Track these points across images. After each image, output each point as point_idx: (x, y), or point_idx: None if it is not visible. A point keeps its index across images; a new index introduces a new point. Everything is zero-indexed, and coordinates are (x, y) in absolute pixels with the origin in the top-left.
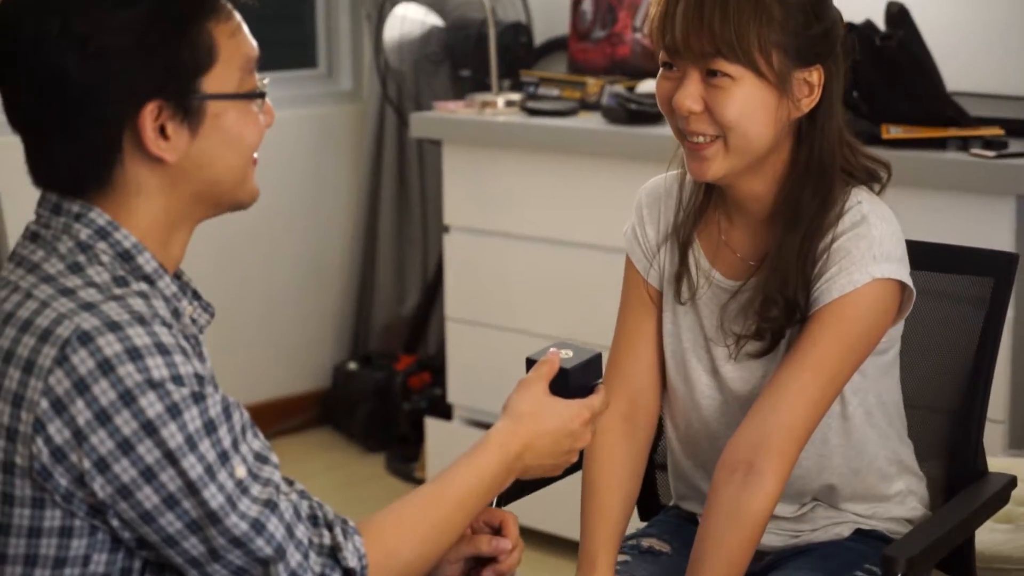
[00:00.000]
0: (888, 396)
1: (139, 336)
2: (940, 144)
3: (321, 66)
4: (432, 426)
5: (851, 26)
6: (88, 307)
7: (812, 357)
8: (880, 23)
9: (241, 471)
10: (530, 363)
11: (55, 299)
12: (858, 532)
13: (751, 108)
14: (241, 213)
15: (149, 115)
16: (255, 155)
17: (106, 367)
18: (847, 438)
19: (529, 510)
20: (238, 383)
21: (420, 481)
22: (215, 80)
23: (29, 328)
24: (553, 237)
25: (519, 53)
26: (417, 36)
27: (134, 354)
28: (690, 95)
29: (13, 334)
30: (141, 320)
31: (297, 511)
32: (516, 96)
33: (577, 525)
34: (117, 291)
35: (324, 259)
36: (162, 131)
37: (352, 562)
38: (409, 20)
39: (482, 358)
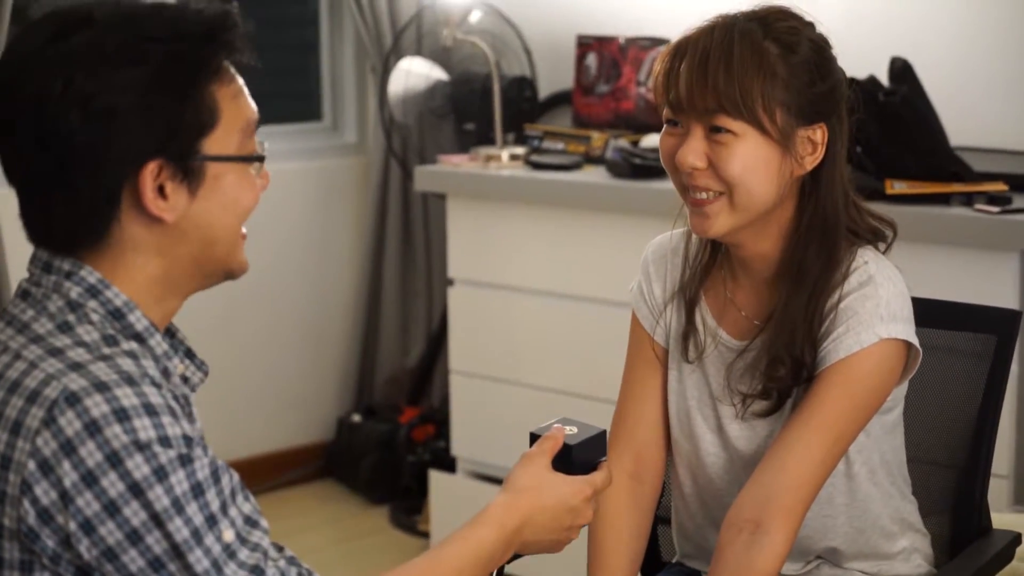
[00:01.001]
0: (892, 455)
1: (127, 397)
2: (944, 199)
3: (326, 119)
4: (436, 479)
5: (854, 81)
6: (76, 367)
7: (818, 417)
8: (884, 79)
9: (229, 535)
10: (533, 438)
11: (44, 359)
12: None
13: (754, 164)
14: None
15: (149, 174)
16: (244, 230)
17: (93, 428)
18: (851, 497)
19: (533, 564)
20: (241, 435)
21: (424, 534)
22: (216, 142)
23: (17, 389)
24: (557, 291)
25: (523, 107)
26: (422, 90)
27: (121, 415)
28: (693, 151)
29: (1, 395)
30: (129, 380)
31: None
32: (520, 150)
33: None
34: (106, 350)
35: (328, 311)
36: (160, 191)
37: None
38: (414, 74)
39: (486, 411)
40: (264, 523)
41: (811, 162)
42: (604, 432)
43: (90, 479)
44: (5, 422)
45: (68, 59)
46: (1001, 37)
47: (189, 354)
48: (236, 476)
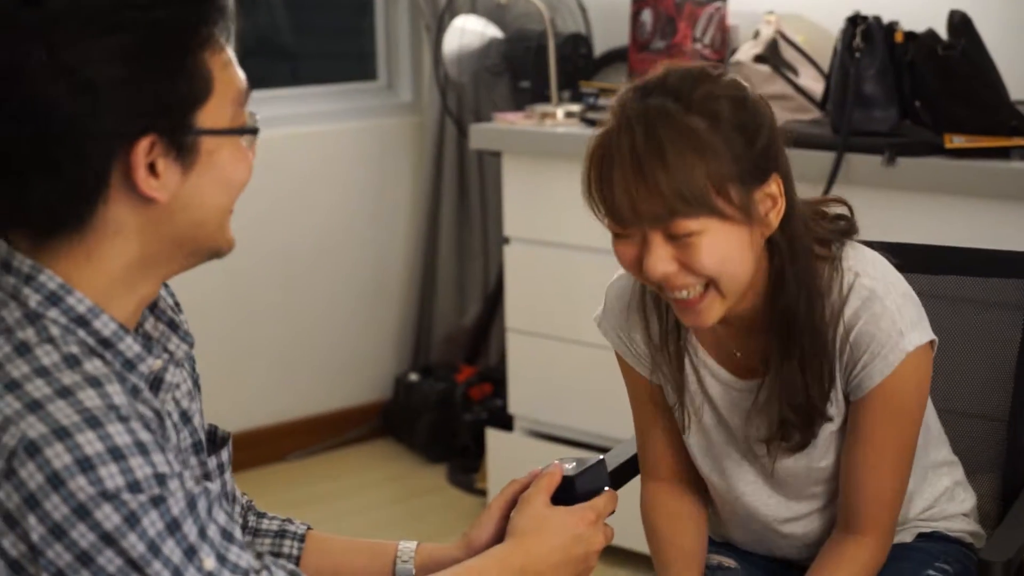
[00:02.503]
0: (928, 423)
1: (89, 444)
2: (1004, 153)
3: (381, 78)
4: (493, 437)
5: (912, 35)
6: (34, 407)
7: (874, 447)
8: (942, 32)
9: (209, 563)
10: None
11: (1, 398)
12: (920, 536)
13: (727, 252)
14: (303, 224)
15: (142, 151)
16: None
17: (55, 481)
18: None
19: None
20: (299, 395)
21: (481, 492)
22: (210, 115)
23: None
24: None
25: (578, 64)
26: (476, 48)
27: (85, 465)
28: (660, 260)
29: None
30: (92, 421)
31: None
32: (576, 107)
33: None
34: (67, 381)
35: (385, 271)
36: (151, 169)
37: None
38: (468, 32)
39: (543, 369)
40: (237, 533)
41: (776, 216)
42: (603, 460)
43: (58, 532)
44: None
45: (45, 25)
46: None
47: (172, 325)
48: (214, 490)
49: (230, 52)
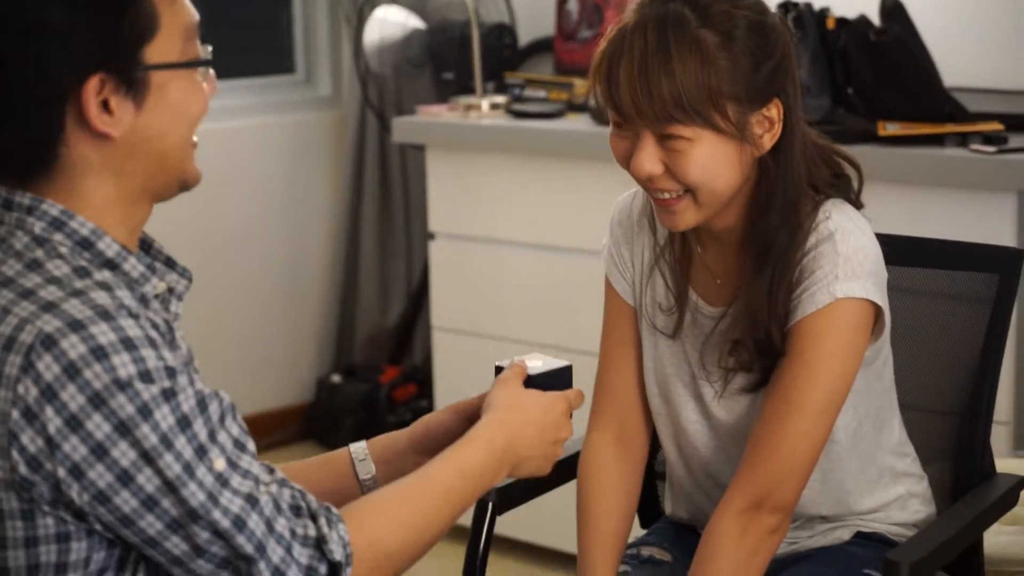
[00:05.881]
0: (879, 405)
1: (103, 333)
2: (938, 140)
3: (299, 72)
4: None
5: (844, 21)
6: (49, 307)
7: (796, 392)
8: (875, 18)
9: (220, 463)
10: (498, 370)
11: (15, 304)
12: (859, 535)
13: (712, 164)
14: (219, 222)
15: (92, 90)
16: (195, 139)
17: (72, 371)
18: (837, 462)
19: (526, 521)
20: None
21: None
22: (158, 50)
23: None
24: (541, 242)
25: (503, 55)
26: (398, 39)
27: (99, 353)
28: (648, 159)
29: None
30: (104, 315)
31: (277, 503)
32: (501, 99)
33: (573, 538)
34: (78, 284)
35: (305, 269)
36: (105, 106)
37: (338, 554)
38: (389, 23)
39: (470, 368)
40: (251, 445)
41: (770, 140)
42: (569, 367)
43: (74, 423)
44: None
45: None
46: None
47: (169, 263)
48: (227, 399)
49: None
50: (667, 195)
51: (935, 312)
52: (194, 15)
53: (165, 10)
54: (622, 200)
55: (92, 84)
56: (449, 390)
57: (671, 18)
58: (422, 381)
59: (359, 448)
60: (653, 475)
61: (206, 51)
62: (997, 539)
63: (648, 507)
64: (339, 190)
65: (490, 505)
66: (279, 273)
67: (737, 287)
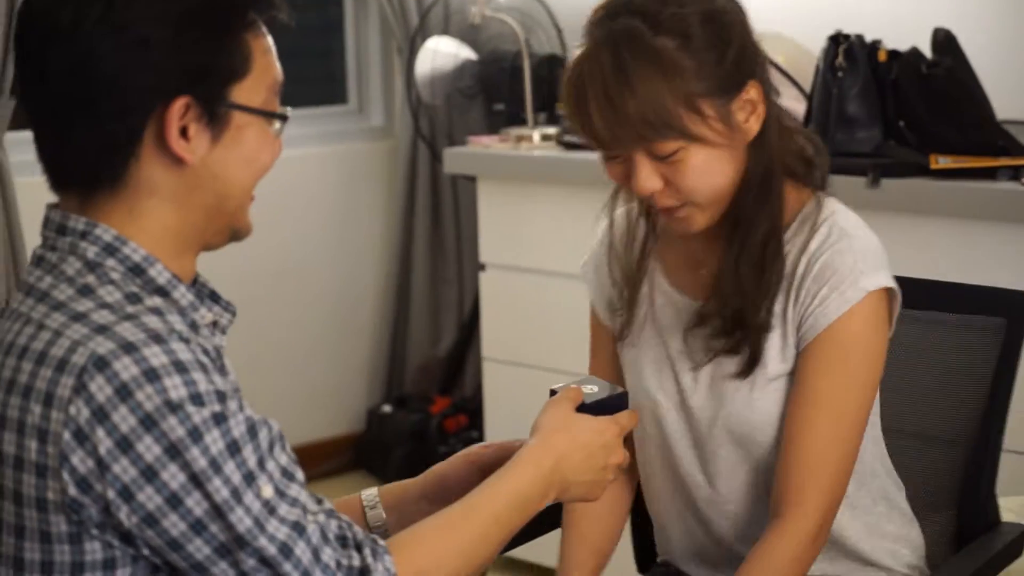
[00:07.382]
0: (875, 419)
1: (155, 356)
2: (990, 174)
3: (352, 102)
4: None
5: (896, 53)
6: (101, 330)
7: (825, 394)
8: (926, 50)
9: (268, 490)
10: (552, 393)
11: (68, 327)
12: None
13: (708, 168)
14: (273, 252)
15: (176, 111)
16: (254, 193)
17: (124, 392)
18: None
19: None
20: None
21: None
22: (244, 92)
23: (45, 360)
24: None
25: (554, 85)
26: (450, 70)
27: (151, 375)
28: (646, 179)
29: (30, 368)
30: (157, 338)
31: (324, 533)
32: (552, 130)
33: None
34: (130, 309)
35: (357, 299)
36: (183, 133)
37: None
38: (441, 54)
39: (520, 399)
40: (300, 475)
41: (756, 121)
42: (626, 393)
43: (125, 444)
44: (37, 394)
45: None
46: None
47: (214, 297)
48: (276, 427)
49: (270, 41)
50: (671, 203)
51: (942, 356)
52: (281, 73)
53: (259, 58)
54: (600, 227)
55: (178, 105)
56: (499, 421)
57: (622, 35)
58: (473, 412)
59: (370, 495)
60: (649, 520)
61: (285, 111)
62: None
63: (644, 552)
64: (391, 220)
65: None
66: (331, 302)
67: (716, 278)
